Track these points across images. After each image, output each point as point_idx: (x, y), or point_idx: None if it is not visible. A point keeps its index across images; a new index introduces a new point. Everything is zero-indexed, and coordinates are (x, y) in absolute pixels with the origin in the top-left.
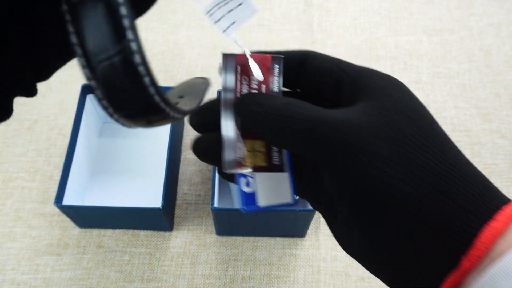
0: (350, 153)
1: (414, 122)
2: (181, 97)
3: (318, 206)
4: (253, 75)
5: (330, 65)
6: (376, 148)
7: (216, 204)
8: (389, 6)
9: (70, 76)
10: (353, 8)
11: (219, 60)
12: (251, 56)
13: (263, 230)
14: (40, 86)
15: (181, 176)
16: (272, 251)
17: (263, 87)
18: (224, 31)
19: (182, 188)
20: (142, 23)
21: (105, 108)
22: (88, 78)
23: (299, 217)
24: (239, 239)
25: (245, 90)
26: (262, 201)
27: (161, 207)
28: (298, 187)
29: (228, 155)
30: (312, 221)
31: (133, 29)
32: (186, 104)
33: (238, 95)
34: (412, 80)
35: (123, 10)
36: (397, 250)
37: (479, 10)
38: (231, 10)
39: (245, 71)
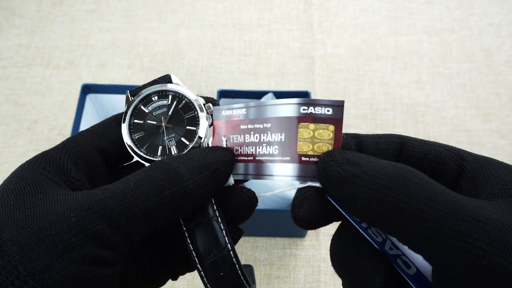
0: (507, 270)
1: None
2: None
3: None
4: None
5: (438, 149)
6: None
7: None
8: (389, 6)
9: (70, 76)
10: (353, 8)
11: (219, 60)
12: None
13: (263, 230)
14: (40, 86)
15: None
16: (272, 251)
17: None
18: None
19: None
20: (142, 23)
21: None
22: (199, 270)
23: None
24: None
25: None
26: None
27: None
28: None
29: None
30: None
31: (229, 237)
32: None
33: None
34: (412, 80)
35: (222, 227)
36: None
37: (479, 10)
38: None
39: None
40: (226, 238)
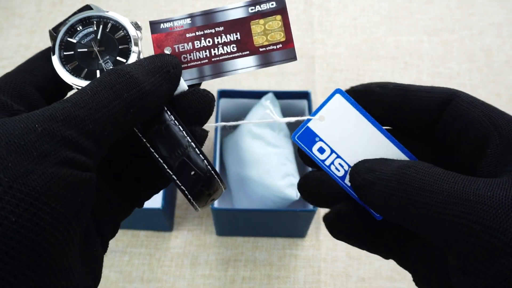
0: (495, 247)
1: None
2: None
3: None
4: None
5: (479, 115)
6: None
7: (216, 204)
8: (389, 6)
9: None
10: (353, 8)
11: None
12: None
13: (263, 231)
14: None
15: None
16: (272, 251)
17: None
18: None
19: None
20: (143, 23)
21: (184, 193)
22: (169, 175)
23: (300, 218)
24: (239, 240)
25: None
26: None
27: (161, 207)
28: (399, 259)
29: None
30: (313, 222)
31: (190, 136)
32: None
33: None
34: (413, 80)
35: (181, 128)
36: None
37: (479, 9)
38: None
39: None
40: (187, 137)
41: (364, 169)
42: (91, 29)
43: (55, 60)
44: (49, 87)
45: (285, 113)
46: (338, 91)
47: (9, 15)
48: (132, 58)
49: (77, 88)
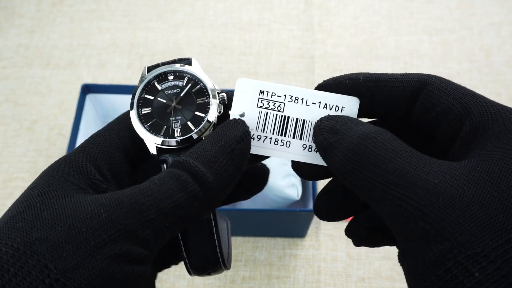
0: (428, 234)
1: None
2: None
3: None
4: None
5: (451, 102)
6: (469, 237)
7: None
8: (390, 5)
9: (70, 76)
10: (354, 8)
11: (219, 59)
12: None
13: (263, 231)
14: (40, 86)
15: None
16: (272, 251)
17: None
18: None
19: None
20: (142, 23)
21: (187, 267)
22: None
23: (300, 218)
24: (239, 239)
25: None
26: None
27: None
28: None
29: None
30: (312, 222)
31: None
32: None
33: None
34: None
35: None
36: None
37: (479, 9)
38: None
39: None
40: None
41: (328, 128)
42: (179, 83)
43: (133, 101)
44: (133, 148)
45: None
46: (239, 80)
47: (9, 15)
48: (202, 127)
49: (156, 146)
